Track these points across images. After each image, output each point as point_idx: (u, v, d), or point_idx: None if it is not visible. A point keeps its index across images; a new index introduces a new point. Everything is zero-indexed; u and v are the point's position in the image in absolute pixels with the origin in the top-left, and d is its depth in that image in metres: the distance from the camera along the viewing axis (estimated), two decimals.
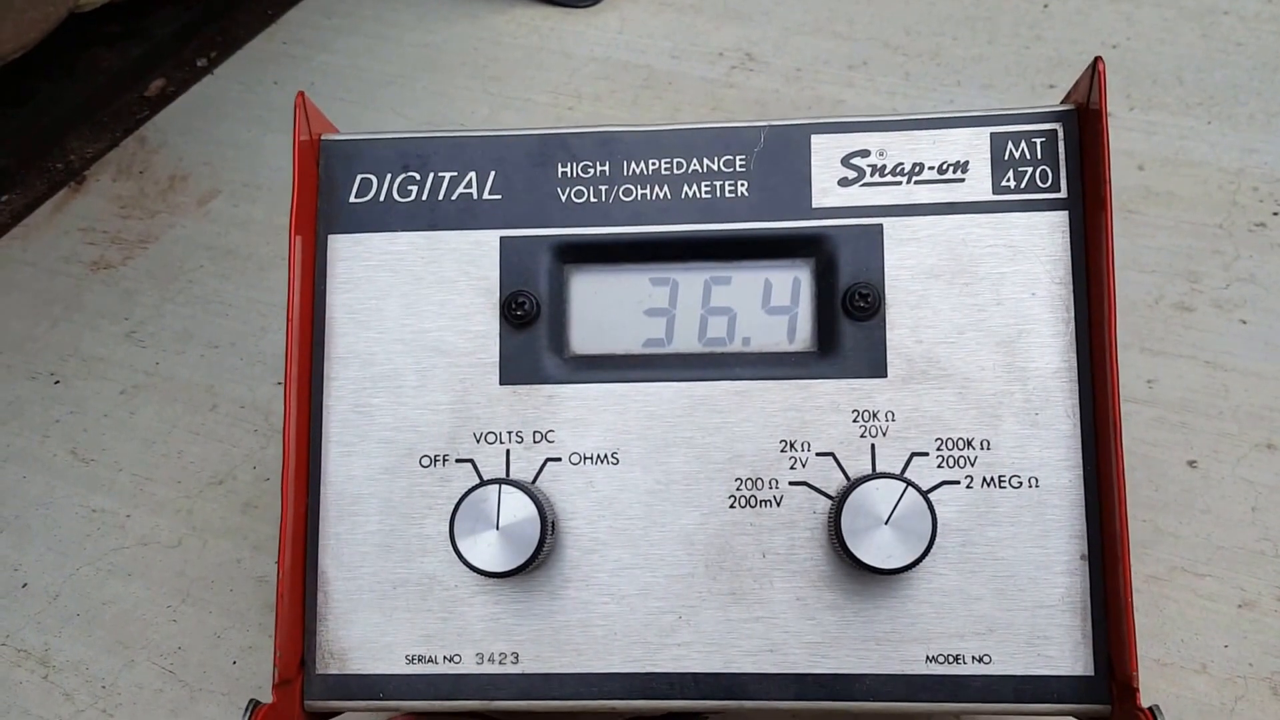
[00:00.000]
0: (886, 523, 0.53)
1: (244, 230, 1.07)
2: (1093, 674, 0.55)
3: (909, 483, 0.54)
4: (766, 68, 1.16)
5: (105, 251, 1.08)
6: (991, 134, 0.59)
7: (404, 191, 0.61)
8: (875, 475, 0.55)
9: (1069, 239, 0.57)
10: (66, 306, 1.04)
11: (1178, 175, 0.98)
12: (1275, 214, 0.94)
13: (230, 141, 1.18)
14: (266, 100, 1.22)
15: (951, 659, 0.56)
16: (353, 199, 0.62)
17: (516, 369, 0.60)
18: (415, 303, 0.60)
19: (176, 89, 1.27)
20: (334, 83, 1.23)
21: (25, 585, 0.85)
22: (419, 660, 0.58)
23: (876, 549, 0.53)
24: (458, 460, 0.59)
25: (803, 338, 0.60)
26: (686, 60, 1.19)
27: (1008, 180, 0.58)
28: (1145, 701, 0.67)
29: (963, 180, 0.59)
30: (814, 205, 0.59)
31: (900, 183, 0.59)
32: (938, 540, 0.55)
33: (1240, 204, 0.95)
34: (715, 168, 0.60)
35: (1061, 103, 0.60)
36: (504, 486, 0.55)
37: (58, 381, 0.98)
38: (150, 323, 1.01)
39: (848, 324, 0.58)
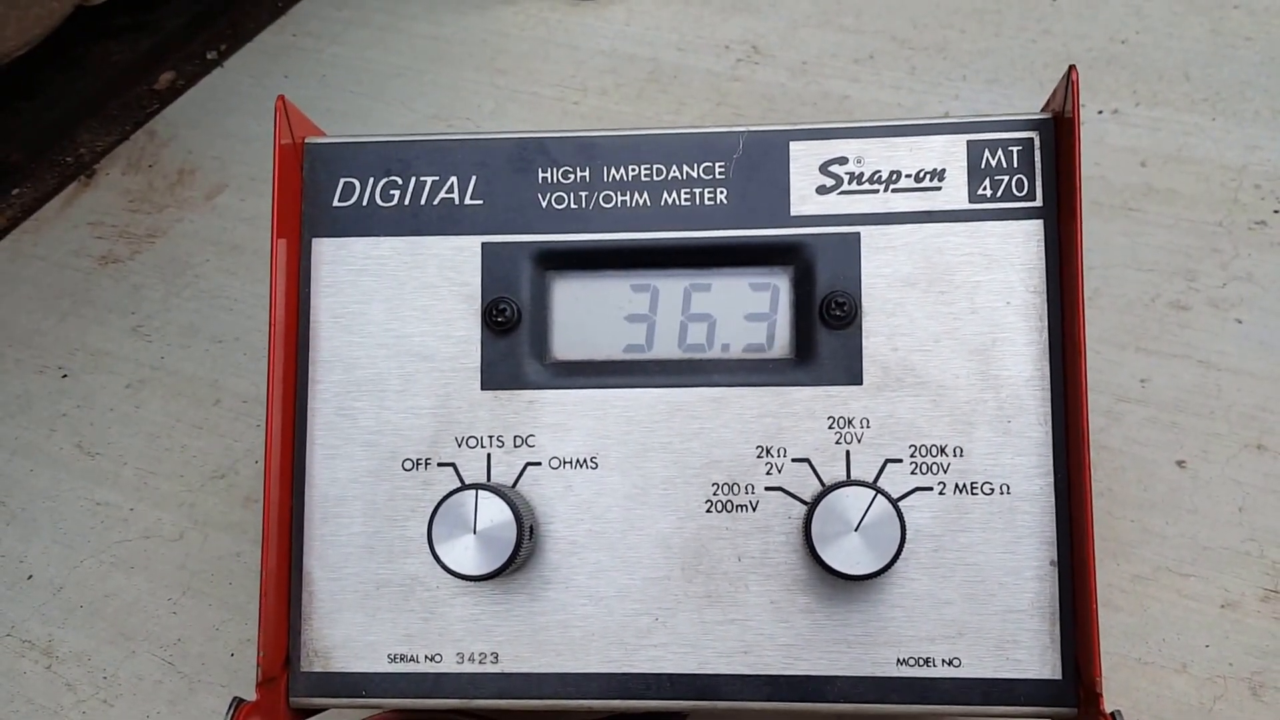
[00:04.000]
0: (856, 530, 0.54)
1: (250, 225, 1.09)
2: (1060, 678, 0.56)
3: (879, 491, 0.54)
4: (772, 61, 1.16)
5: (113, 246, 1.09)
6: (969, 142, 0.59)
7: (386, 196, 0.62)
8: (847, 482, 0.56)
9: (1044, 248, 0.58)
10: (75, 300, 1.05)
11: (1180, 172, 0.98)
12: (1276, 212, 0.93)
13: (239, 135, 1.19)
14: (275, 93, 1.21)
15: (922, 662, 0.57)
16: (336, 203, 0.62)
17: (497, 374, 0.60)
18: (398, 308, 0.61)
19: (186, 82, 1.28)
20: (343, 75, 1.24)
21: (30, 577, 0.86)
22: (401, 659, 0.59)
23: (846, 555, 0.54)
24: (440, 464, 0.60)
25: (781, 345, 0.60)
26: (693, 53, 1.19)
27: (984, 189, 0.59)
28: (1122, 700, 0.69)
29: (939, 189, 0.59)
30: (792, 213, 0.60)
31: (878, 190, 0.59)
32: (910, 545, 0.56)
33: (1241, 202, 0.95)
34: (695, 174, 0.61)
35: (1040, 110, 0.60)
36: (481, 492, 0.56)
37: (65, 375, 0.99)
38: (156, 317, 1.02)
39: (825, 332, 0.59)
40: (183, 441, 0.93)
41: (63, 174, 1.19)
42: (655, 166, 0.61)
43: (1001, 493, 0.57)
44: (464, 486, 0.57)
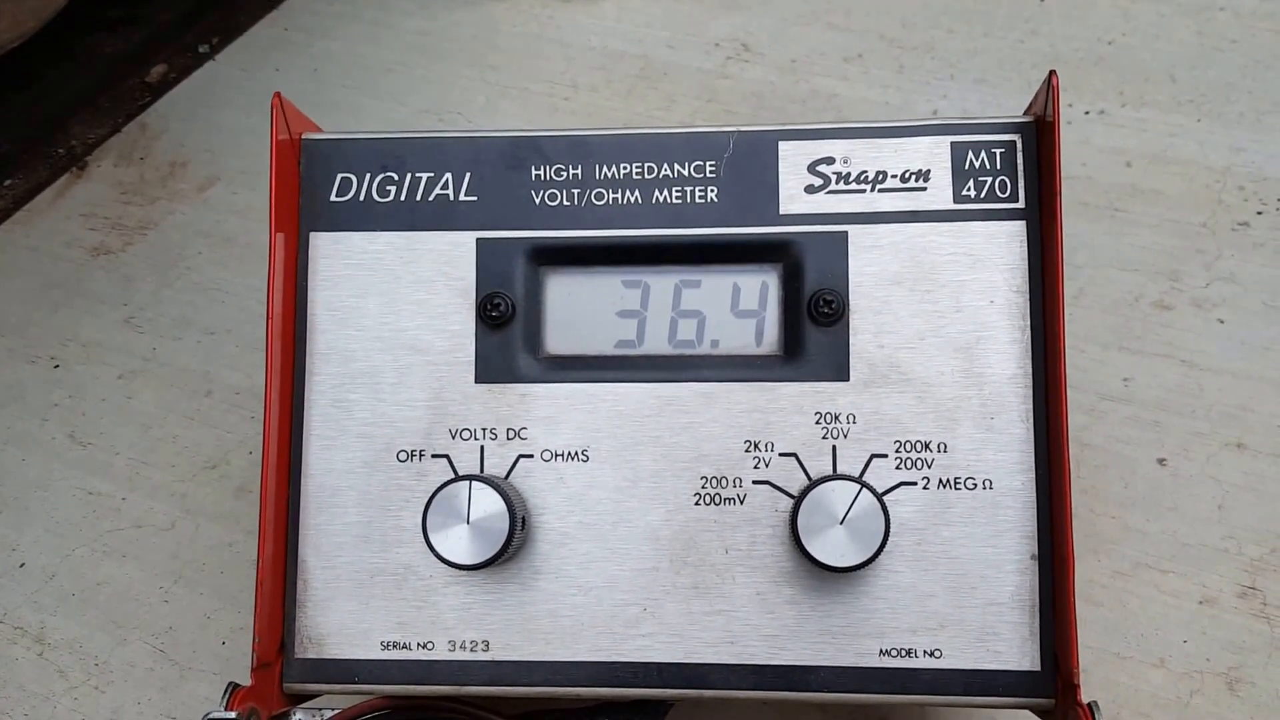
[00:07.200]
0: (841, 523, 0.55)
1: (242, 218, 1.09)
2: (1039, 669, 0.57)
3: (864, 485, 0.55)
4: (762, 59, 1.17)
5: (106, 237, 1.10)
6: (952, 143, 0.60)
7: (383, 191, 0.63)
8: (833, 476, 0.57)
9: (1026, 248, 0.59)
10: (67, 291, 1.06)
11: (1165, 173, 0.99)
12: (1259, 213, 0.95)
13: (231, 128, 1.20)
14: (267, 87, 1.24)
15: (904, 653, 0.58)
16: (333, 198, 0.63)
17: (491, 368, 0.61)
18: (394, 302, 0.62)
19: (178, 75, 1.29)
20: (335, 69, 1.25)
21: (23, 565, 0.87)
22: (394, 646, 0.60)
23: (831, 547, 0.55)
24: (434, 455, 0.61)
25: (769, 341, 0.61)
26: (682, 50, 1.20)
27: (968, 190, 0.60)
28: (1101, 694, 0.70)
29: (924, 189, 0.60)
30: (781, 212, 0.61)
31: (864, 190, 0.60)
32: (894, 539, 0.57)
33: (1225, 203, 0.96)
34: (685, 173, 0.62)
35: (1023, 114, 0.61)
36: (474, 483, 0.57)
37: (57, 366, 1.00)
38: (149, 308, 1.03)
39: (813, 328, 0.60)
40: (175, 432, 0.94)
41: (55, 165, 1.20)
42: (647, 165, 0.62)
43: (984, 488, 0.58)
44: (458, 477, 0.58)
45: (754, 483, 0.60)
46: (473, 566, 0.57)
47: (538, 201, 0.62)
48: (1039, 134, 0.59)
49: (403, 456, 0.61)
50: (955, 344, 0.59)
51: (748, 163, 0.62)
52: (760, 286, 0.62)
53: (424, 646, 0.60)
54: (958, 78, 1.11)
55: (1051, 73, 0.56)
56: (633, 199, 0.62)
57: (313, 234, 0.63)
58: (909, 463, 0.59)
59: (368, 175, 0.63)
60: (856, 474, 0.59)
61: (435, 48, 1.26)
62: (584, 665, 0.60)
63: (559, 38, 1.24)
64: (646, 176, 0.62)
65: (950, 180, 0.60)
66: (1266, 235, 0.93)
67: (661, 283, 0.62)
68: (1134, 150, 1.01)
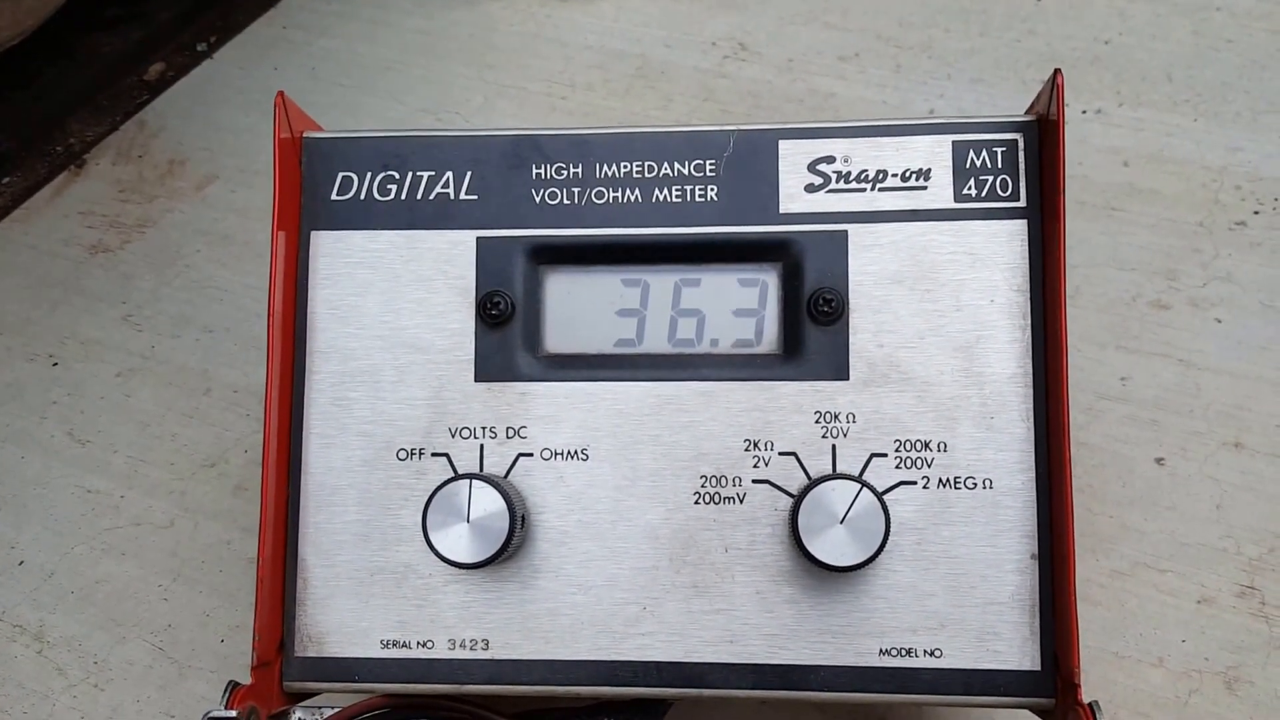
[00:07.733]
0: (841, 522, 0.55)
1: (241, 216, 1.09)
2: (1039, 669, 0.57)
3: (865, 484, 0.55)
4: (759, 58, 1.17)
5: (104, 235, 1.10)
6: (954, 142, 0.60)
7: (384, 190, 0.63)
8: (833, 476, 0.57)
9: (1027, 247, 0.59)
10: (65, 289, 1.06)
11: (1162, 172, 0.99)
12: (1256, 213, 0.95)
13: (229, 127, 1.19)
14: (265, 85, 1.24)
15: (904, 652, 0.58)
16: (334, 196, 0.63)
17: (491, 366, 0.61)
18: (394, 300, 0.62)
19: (176, 73, 1.29)
20: (333, 68, 1.25)
21: (21, 563, 0.87)
22: (394, 645, 0.61)
23: (831, 547, 0.55)
24: (433, 454, 0.61)
25: (769, 340, 0.61)
26: (680, 49, 1.20)
27: (969, 189, 0.60)
28: (1099, 693, 0.70)
29: (925, 188, 0.60)
30: (781, 210, 0.61)
31: (865, 189, 0.61)
32: (894, 538, 0.57)
33: (1222, 202, 0.96)
34: (685, 172, 0.62)
35: (1025, 112, 0.61)
36: (475, 481, 0.57)
37: (56, 364, 1.00)
38: (147, 306, 1.03)
39: (812, 328, 0.60)
40: (173, 430, 0.94)
41: (53, 163, 1.20)
42: (647, 164, 0.62)
43: (984, 487, 0.58)
44: (458, 476, 0.58)
45: (754, 482, 0.60)
46: (472, 565, 0.57)
47: (538, 200, 0.62)
48: (1042, 133, 0.60)
49: (402, 455, 0.61)
50: (955, 343, 0.59)
51: (748, 161, 0.62)
52: (760, 285, 0.62)
53: (424, 645, 0.60)
54: (954, 77, 1.11)
55: (1056, 71, 0.56)
56: (633, 198, 0.62)
57: (313, 232, 0.63)
58: (909, 462, 0.59)
59: (369, 174, 0.63)
60: (856, 473, 0.59)
61: (433, 47, 1.26)
62: (583, 664, 0.60)
63: (556, 37, 1.24)
64: (647, 175, 0.62)
65: (951, 179, 0.60)
66: (1263, 235, 0.93)
67: (661, 281, 0.62)
68: (1131, 150, 1.01)
